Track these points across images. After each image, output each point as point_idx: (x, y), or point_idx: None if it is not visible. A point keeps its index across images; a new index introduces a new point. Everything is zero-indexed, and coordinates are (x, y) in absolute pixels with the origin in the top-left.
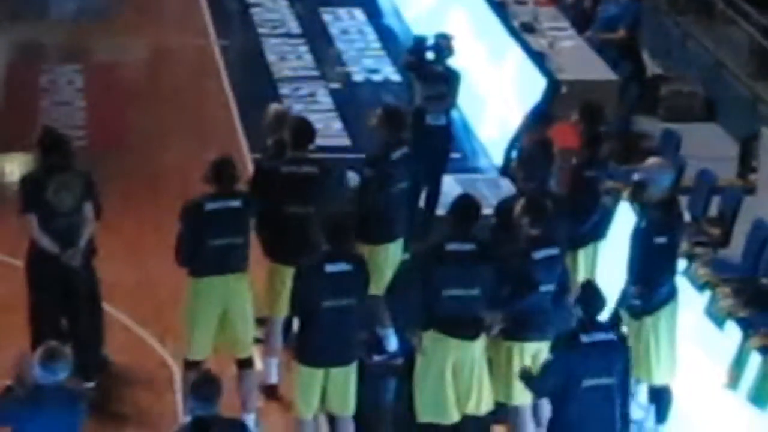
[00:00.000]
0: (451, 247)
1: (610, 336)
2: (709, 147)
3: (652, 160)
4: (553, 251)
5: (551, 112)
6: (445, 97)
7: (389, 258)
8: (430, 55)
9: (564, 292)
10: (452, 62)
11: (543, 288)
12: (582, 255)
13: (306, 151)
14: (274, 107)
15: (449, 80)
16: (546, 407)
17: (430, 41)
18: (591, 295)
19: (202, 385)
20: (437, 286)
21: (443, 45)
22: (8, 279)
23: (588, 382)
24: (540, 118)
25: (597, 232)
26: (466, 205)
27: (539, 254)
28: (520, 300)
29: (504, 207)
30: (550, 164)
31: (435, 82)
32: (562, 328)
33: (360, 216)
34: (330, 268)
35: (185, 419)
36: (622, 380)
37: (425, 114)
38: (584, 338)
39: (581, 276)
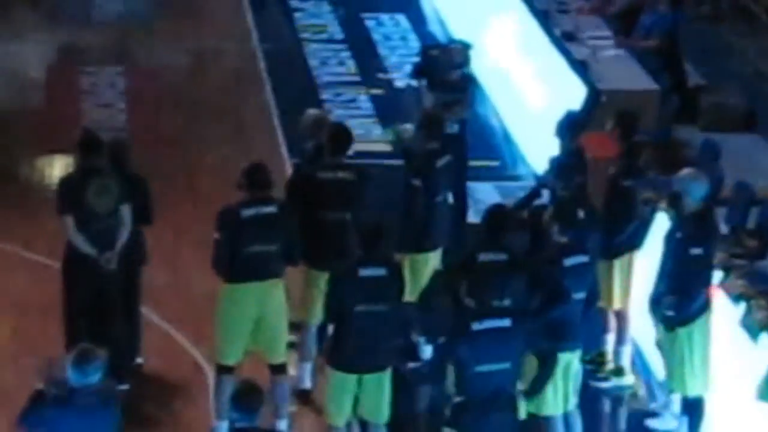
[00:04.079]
0: (483, 257)
1: (505, 322)
2: (749, 158)
3: (686, 171)
4: (584, 259)
5: (583, 120)
6: (458, 104)
7: (430, 267)
8: (442, 63)
9: (593, 302)
10: (475, 69)
11: (573, 296)
12: (618, 265)
13: (343, 156)
14: (312, 112)
15: (464, 88)
16: (577, 418)
17: (445, 48)
18: (482, 284)
19: (245, 395)
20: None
21: (456, 52)
22: (45, 280)
23: (480, 368)
24: (572, 125)
25: (633, 242)
26: (499, 214)
27: (569, 261)
28: (552, 309)
29: (534, 214)
30: (584, 172)
31: (448, 89)
32: (590, 339)
33: (404, 225)
34: (364, 272)
35: (218, 423)
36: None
37: None
38: (476, 326)
39: (617, 286)
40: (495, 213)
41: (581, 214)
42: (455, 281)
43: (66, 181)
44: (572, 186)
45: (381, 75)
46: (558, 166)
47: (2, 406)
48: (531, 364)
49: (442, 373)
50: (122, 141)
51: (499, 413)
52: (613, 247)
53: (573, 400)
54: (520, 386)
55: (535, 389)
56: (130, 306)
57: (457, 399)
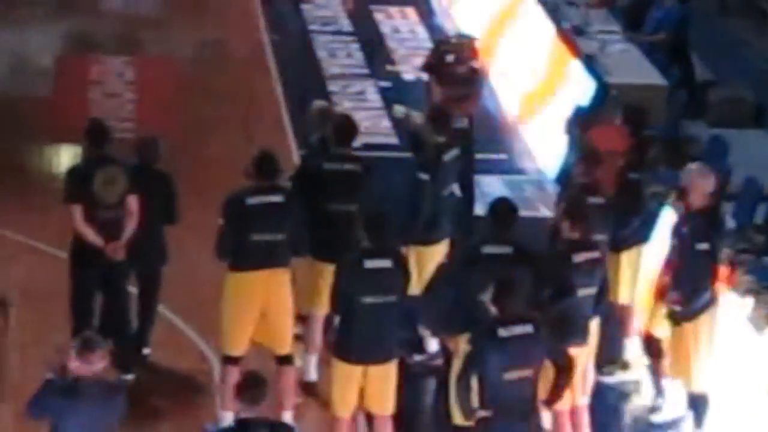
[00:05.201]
0: (488, 250)
1: (528, 328)
2: (757, 153)
3: (693, 166)
4: (594, 254)
5: (594, 115)
6: (465, 99)
7: (436, 260)
8: (450, 58)
9: (602, 296)
10: (483, 63)
11: (583, 292)
12: (625, 258)
13: (349, 148)
14: (317, 104)
15: (472, 82)
16: (585, 413)
17: (452, 42)
18: (505, 294)
19: (249, 386)
20: (473, 288)
21: (464, 46)
22: (52, 270)
23: (507, 376)
24: (580, 121)
25: (640, 235)
26: (503, 208)
27: (579, 257)
28: (559, 303)
29: None
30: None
31: (455, 84)
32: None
33: (410, 218)
34: (369, 264)
35: (223, 414)
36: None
37: None
38: (502, 332)
39: (625, 279)
40: (500, 206)
41: (598, 200)
42: (461, 273)
43: (73, 171)
44: (592, 173)
45: (389, 67)
46: (582, 152)
47: (8, 395)
48: (548, 370)
49: (466, 385)
50: (153, 139)
51: (523, 425)
52: (620, 240)
53: (581, 396)
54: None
55: (555, 396)
56: (146, 303)
57: (482, 413)
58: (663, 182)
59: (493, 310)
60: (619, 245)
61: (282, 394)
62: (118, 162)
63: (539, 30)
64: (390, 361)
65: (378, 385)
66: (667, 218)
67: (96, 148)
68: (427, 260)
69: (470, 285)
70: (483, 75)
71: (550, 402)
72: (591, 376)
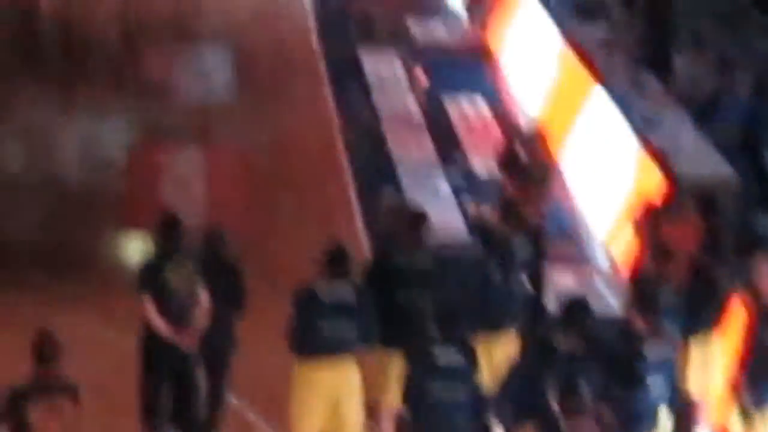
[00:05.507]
0: (559, 345)
1: (591, 425)
2: None
3: (763, 258)
4: (665, 348)
5: (665, 210)
6: (537, 193)
7: (504, 347)
8: (521, 151)
9: (673, 387)
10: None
11: (652, 383)
12: (695, 347)
13: (420, 241)
14: (389, 196)
15: (542, 176)
16: None
17: (522, 134)
18: (569, 396)
19: None
20: (543, 384)
21: (535, 138)
22: (119, 358)
23: None
24: (653, 214)
25: (711, 324)
26: (576, 305)
27: (650, 351)
28: (628, 395)
29: None
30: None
31: (526, 178)
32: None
33: (479, 308)
34: (440, 356)
35: None
36: None
37: None
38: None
39: (695, 367)
40: (573, 303)
41: (670, 294)
42: (532, 366)
43: (145, 262)
44: (664, 268)
45: (460, 158)
46: (654, 248)
47: None
48: None
49: None
50: (218, 230)
51: None
52: (690, 328)
53: None
54: None
55: None
56: (215, 392)
57: None
58: (732, 273)
59: (557, 408)
60: (689, 334)
61: None
62: (188, 253)
63: (609, 121)
64: None
65: None
66: (736, 309)
67: (167, 240)
68: (495, 348)
69: (540, 380)
70: (554, 168)
71: None
72: None
